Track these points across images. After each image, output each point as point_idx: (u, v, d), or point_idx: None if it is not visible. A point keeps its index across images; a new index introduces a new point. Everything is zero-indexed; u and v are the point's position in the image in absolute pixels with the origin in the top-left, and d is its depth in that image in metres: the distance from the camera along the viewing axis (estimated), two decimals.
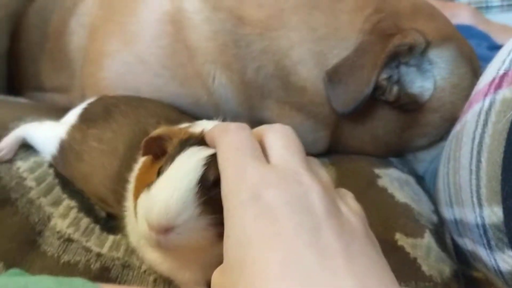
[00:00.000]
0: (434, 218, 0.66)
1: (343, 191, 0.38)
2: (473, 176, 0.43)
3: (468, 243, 0.54)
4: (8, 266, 0.48)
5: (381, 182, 0.67)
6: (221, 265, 0.33)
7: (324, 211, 0.30)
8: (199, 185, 0.39)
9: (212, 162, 0.40)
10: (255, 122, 0.73)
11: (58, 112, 0.68)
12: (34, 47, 0.87)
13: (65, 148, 0.58)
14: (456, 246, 0.63)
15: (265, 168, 0.33)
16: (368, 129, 0.71)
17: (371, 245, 0.31)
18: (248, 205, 0.31)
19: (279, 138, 0.36)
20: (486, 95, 0.44)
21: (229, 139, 0.36)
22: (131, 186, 0.50)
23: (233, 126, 0.37)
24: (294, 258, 0.28)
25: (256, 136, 0.37)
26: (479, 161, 0.42)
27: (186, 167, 0.40)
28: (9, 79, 0.96)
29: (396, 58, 0.64)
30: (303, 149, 0.36)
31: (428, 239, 0.60)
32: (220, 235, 0.40)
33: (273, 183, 0.32)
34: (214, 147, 0.38)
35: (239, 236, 0.31)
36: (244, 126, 0.37)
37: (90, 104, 0.62)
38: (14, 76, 0.94)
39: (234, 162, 0.34)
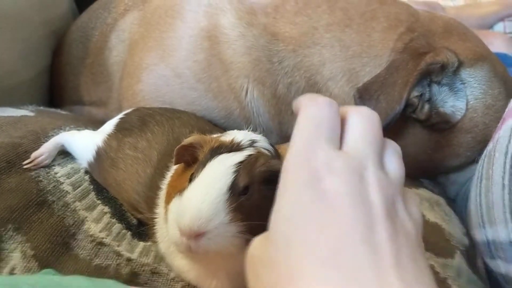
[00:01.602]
0: (465, 240, 0.65)
1: (410, 193, 0.37)
2: (506, 191, 0.43)
3: (501, 265, 0.53)
4: (42, 266, 0.49)
5: None
6: (263, 235, 0.33)
7: (382, 211, 0.30)
8: (230, 191, 0.40)
9: (242, 168, 0.41)
10: (285, 136, 0.74)
11: (95, 124, 0.71)
12: (75, 61, 0.91)
13: (101, 155, 0.59)
14: (489, 271, 0.62)
15: (334, 153, 0.32)
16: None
17: (420, 254, 0.30)
18: (306, 186, 0.31)
19: (359, 123, 0.35)
20: None
21: (312, 112, 0.35)
22: (163, 193, 0.51)
23: (321, 100, 0.35)
24: (345, 249, 0.28)
25: (340, 114, 0.36)
26: (511, 174, 0.42)
27: (216, 174, 0.41)
28: (50, 92, 1.00)
29: (428, 76, 0.64)
30: (380, 138, 0.35)
31: (458, 260, 0.59)
32: (249, 242, 0.41)
33: (337, 171, 0.31)
34: (297, 114, 0.37)
35: (292, 214, 0.30)
36: (332, 103, 0.35)
37: (127, 115, 0.64)
38: (55, 90, 0.98)
39: (306, 139, 0.34)
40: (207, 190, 0.40)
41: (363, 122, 0.35)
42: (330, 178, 0.31)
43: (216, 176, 0.41)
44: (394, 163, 0.35)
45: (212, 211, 0.39)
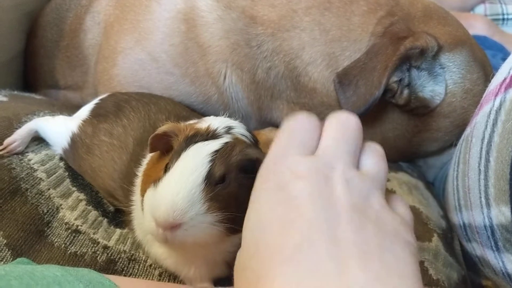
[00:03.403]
0: (443, 223, 0.66)
1: (398, 196, 0.38)
2: (482, 176, 0.43)
3: (476, 248, 0.54)
4: (16, 255, 0.48)
5: (390, 185, 0.67)
6: (241, 247, 0.34)
7: (347, 205, 0.30)
8: (206, 181, 0.39)
9: (218, 157, 0.40)
10: (264, 122, 0.74)
11: (71, 109, 0.69)
12: (50, 44, 0.89)
13: (76, 142, 0.58)
14: (465, 253, 0.62)
15: (303, 158, 0.33)
16: (378, 133, 0.71)
17: (401, 245, 0.30)
18: (272, 192, 0.32)
19: (333, 127, 0.36)
20: (496, 94, 0.43)
21: (289, 125, 0.37)
22: (139, 181, 0.50)
23: (299, 114, 0.37)
24: (307, 245, 0.28)
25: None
26: (487, 160, 0.42)
27: (192, 164, 0.40)
28: (25, 76, 0.98)
29: (407, 61, 0.63)
30: (355, 139, 0.35)
31: (436, 243, 0.60)
32: (227, 231, 0.40)
33: (301, 174, 0.32)
34: None
35: (257, 220, 0.32)
36: (309, 116, 0.37)
37: (102, 100, 0.63)
38: (30, 74, 0.96)
39: (278, 147, 0.35)
40: (182, 181, 0.39)
41: (337, 125, 0.36)
42: (295, 182, 0.32)
43: (191, 166, 0.40)
44: (373, 163, 0.35)
45: (187, 203, 0.38)
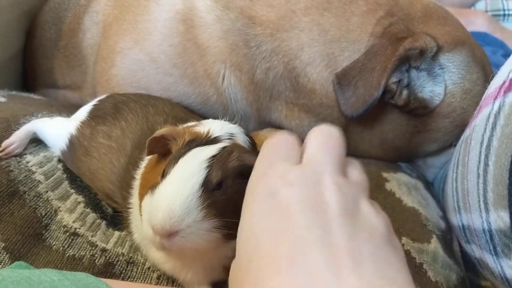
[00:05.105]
0: (442, 224, 0.65)
1: (371, 201, 0.38)
2: (480, 180, 0.43)
3: (475, 250, 0.53)
4: (14, 258, 0.48)
5: (389, 186, 0.66)
6: (235, 258, 0.34)
7: (339, 210, 0.30)
8: (203, 188, 0.39)
9: (215, 163, 0.40)
10: (263, 123, 0.74)
11: (70, 109, 0.69)
12: (48, 44, 0.88)
13: (74, 144, 0.58)
14: (464, 254, 0.62)
15: (290, 168, 0.33)
16: (377, 133, 0.70)
17: (390, 248, 0.30)
18: (262, 202, 0.32)
19: (317, 138, 0.36)
20: (495, 98, 0.43)
21: (271, 141, 0.37)
22: (137, 184, 0.50)
23: (279, 132, 0.38)
24: (300, 255, 0.28)
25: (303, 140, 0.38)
26: (486, 164, 0.42)
27: (188, 170, 0.40)
28: (23, 76, 0.97)
29: (406, 61, 0.63)
30: (340, 150, 0.36)
31: (435, 244, 0.59)
32: (224, 237, 0.40)
33: (292, 183, 0.32)
34: None
35: (250, 231, 0.31)
36: (289, 133, 0.38)
37: (100, 101, 0.63)
38: (28, 73, 0.96)
39: (265, 160, 0.36)
40: (179, 188, 0.39)
41: (321, 136, 0.36)
42: (284, 189, 0.32)
43: (188, 173, 0.40)
44: (357, 174, 0.36)
45: (184, 210, 0.38)
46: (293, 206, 0.30)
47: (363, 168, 0.38)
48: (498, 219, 0.41)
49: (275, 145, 0.37)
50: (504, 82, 0.43)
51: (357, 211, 0.31)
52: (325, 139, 0.36)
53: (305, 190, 0.31)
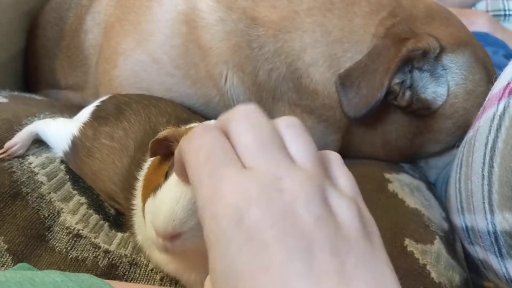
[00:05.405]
0: (445, 225, 0.65)
1: (328, 156, 0.32)
2: (485, 182, 0.43)
3: (479, 251, 0.53)
4: (17, 260, 0.48)
5: (392, 187, 0.66)
6: None
7: (314, 223, 0.26)
8: None
9: None
10: None
11: (72, 110, 0.69)
12: (50, 44, 0.88)
13: (76, 144, 0.58)
14: (467, 255, 0.62)
15: (241, 177, 0.27)
16: (380, 134, 0.70)
17: (368, 249, 0.27)
18: (230, 233, 0.26)
19: (245, 130, 0.29)
20: (500, 99, 0.43)
21: (195, 146, 0.29)
22: (139, 185, 0.50)
23: (196, 130, 0.30)
24: None
25: (222, 129, 0.30)
26: (491, 166, 0.41)
27: None
28: (25, 76, 0.97)
29: (409, 62, 0.63)
30: (274, 137, 0.29)
31: (438, 245, 0.59)
32: None
33: (254, 199, 0.26)
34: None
35: (225, 270, 0.26)
36: (208, 127, 0.30)
37: (103, 102, 0.63)
38: (30, 74, 0.96)
39: (206, 175, 0.28)
40: (182, 190, 0.39)
41: (248, 128, 0.29)
42: (250, 211, 0.26)
43: None
44: (301, 150, 0.30)
45: (187, 212, 0.38)
46: (267, 234, 0.25)
47: (310, 133, 0.31)
48: (503, 220, 0.41)
49: (202, 150, 0.29)
50: (508, 83, 0.43)
51: (329, 213, 0.27)
52: (252, 130, 0.29)
53: (271, 207, 0.26)
